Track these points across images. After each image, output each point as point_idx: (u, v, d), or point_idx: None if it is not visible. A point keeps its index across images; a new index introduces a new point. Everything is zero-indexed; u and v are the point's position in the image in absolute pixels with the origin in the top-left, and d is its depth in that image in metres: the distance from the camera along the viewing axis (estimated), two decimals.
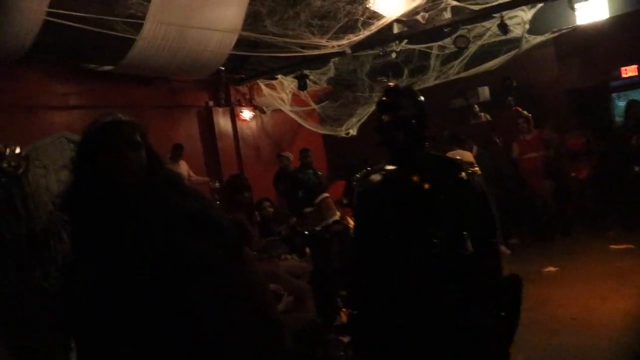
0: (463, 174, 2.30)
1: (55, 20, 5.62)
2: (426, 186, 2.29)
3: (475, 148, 7.87)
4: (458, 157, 7.55)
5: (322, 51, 7.84)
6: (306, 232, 5.30)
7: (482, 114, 10.44)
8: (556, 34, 9.02)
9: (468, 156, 7.24)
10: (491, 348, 2.23)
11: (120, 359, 1.77)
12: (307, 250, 5.54)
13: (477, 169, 2.43)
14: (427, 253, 2.22)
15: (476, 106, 10.55)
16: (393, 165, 2.41)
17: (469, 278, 2.22)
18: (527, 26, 8.19)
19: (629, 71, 9.64)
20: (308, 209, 5.49)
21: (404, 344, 2.25)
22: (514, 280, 2.50)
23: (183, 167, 8.16)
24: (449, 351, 2.19)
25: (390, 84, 2.56)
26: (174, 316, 1.77)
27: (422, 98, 2.45)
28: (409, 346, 2.24)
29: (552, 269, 6.57)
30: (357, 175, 2.55)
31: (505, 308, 2.34)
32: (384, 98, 2.43)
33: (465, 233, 2.23)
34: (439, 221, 2.24)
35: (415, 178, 2.32)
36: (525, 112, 9.07)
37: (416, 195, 2.29)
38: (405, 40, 8.49)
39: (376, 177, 2.44)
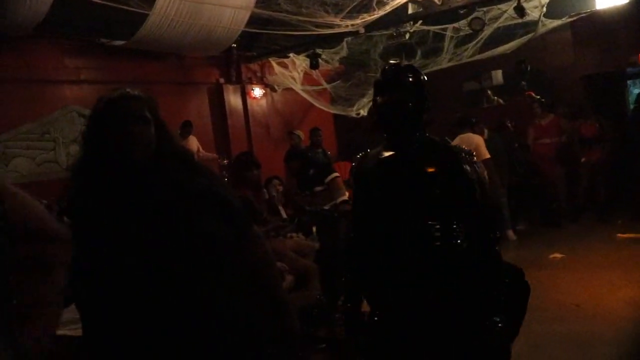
0: (461, 162, 2.15)
1: None
2: (421, 174, 2.16)
3: (486, 131, 7.82)
4: (464, 144, 7.51)
5: (336, 30, 7.78)
6: (308, 208, 5.31)
7: (495, 98, 10.36)
8: (574, 18, 8.87)
9: (478, 140, 7.20)
10: (491, 345, 2.13)
11: (125, 333, 1.78)
12: (314, 229, 5.57)
13: (475, 157, 2.21)
14: (418, 244, 2.12)
15: (489, 91, 10.46)
16: (389, 149, 2.27)
17: (464, 273, 2.10)
18: (544, 9, 8.05)
19: None
20: (318, 188, 5.50)
21: (396, 335, 2.18)
22: (517, 275, 2.40)
23: (193, 143, 8.19)
24: (443, 346, 2.12)
25: (391, 62, 2.37)
26: (182, 296, 1.77)
27: (423, 78, 2.29)
28: (400, 337, 2.17)
29: (558, 255, 6.55)
30: (356, 158, 2.45)
31: (508, 305, 2.19)
32: (380, 78, 2.27)
33: (455, 225, 2.11)
34: (433, 211, 2.12)
35: (410, 165, 2.19)
36: (537, 97, 8.99)
37: (410, 183, 2.17)
38: (420, 21, 8.39)
39: (372, 162, 2.32)
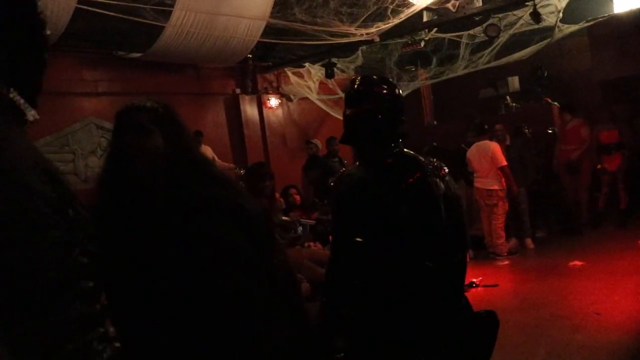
0: (426, 177, 2.03)
1: (86, 7, 5.72)
2: (388, 189, 2.05)
3: (508, 137, 7.78)
4: (480, 151, 7.40)
5: (351, 39, 7.81)
6: (325, 217, 5.32)
7: (514, 104, 10.30)
8: (591, 23, 8.79)
9: (494, 147, 7.17)
10: None
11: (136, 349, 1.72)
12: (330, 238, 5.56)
13: (447, 171, 2.11)
14: (386, 264, 2.03)
15: (508, 97, 10.41)
16: (362, 166, 2.18)
17: (425, 295, 1.99)
18: (560, 15, 8.00)
19: None
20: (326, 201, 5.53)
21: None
22: (485, 317, 2.15)
23: (207, 153, 8.24)
24: None
25: (363, 75, 2.30)
26: (198, 313, 1.70)
27: (397, 91, 2.17)
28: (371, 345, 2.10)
29: (578, 262, 6.46)
30: (334, 178, 2.40)
31: (471, 339, 2.05)
32: (348, 89, 2.17)
33: (422, 245, 2.01)
34: (399, 230, 2.01)
35: (377, 180, 2.09)
36: (554, 103, 8.92)
37: (376, 202, 2.06)
38: (435, 29, 8.39)
39: (347, 179, 2.24)
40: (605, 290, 5.38)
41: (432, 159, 2.14)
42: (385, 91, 2.12)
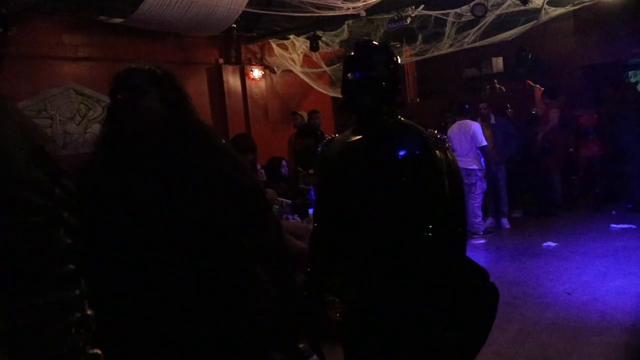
0: (430, 148, 2.00)
1: None
2: (388, 159, 2.01)
3: (492, 117, 7.82)
4: (461, 130, 7.45)
5: (337, 12, 7.72)
6: (302, 186, 5.31)
7: (499, 86, 10.34)
8: (577, 7, 8.80)
9: (475, 126, 7.23)
10: (453, 354, 2.00)
11: (126, 322, 1.66)
12: (310, 211, 5.58)
13: (449, 144, 2.09)
14: (383, 232, 2.00)
15: (496, 80, 10.44)
16: (358, 133, 2.12)
17: (424, 265, 1.98)
18: None
19: None
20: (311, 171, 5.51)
21: (354, 325, 2.09)
22: (483, 277, 2.17)
23: None
24: (397, 345, 2.01)
25: (365, 39, 2.22)
26: (183, 285, 1.68)
27: (397, 59, 2.14)
28: (358, 328, 2.08)
29: (551, 243, 6.60)
30: (323, 143, 2.32)
31: (473, 308, 2.06)
32: (352, 54, 2.11)
33: (421, 215, 1.99)
34: (399, 199, 1.99)
35: (377, 149, 2.05)
36: (536, 85, 8.97)
37: (377, 169, 2.02)
38: (422, 6, 8.33)
39: (338, 147, 2.17)
40: (577, 270, 5.52)
41: (434, 131, 2.11)
42: (389, 58, 2.10)
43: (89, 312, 0.90)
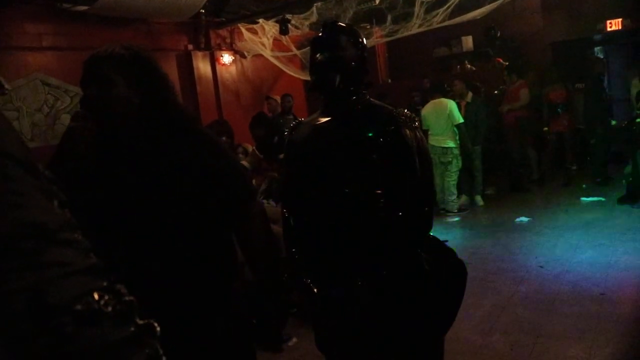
0: (400, 126, 2.01)
1: None
2: (358, 138, 2.02)
3: (470, 94, 7.87)
4: (436, 108, 7.48)
5: None
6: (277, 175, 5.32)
7: (469, 66, 10.41)
8: None
9: (451, 104, 7.28)
10: (420, 332, 2.03)
11: None
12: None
13: (417, 124, 2.09)
14: (352, 212, 2.00)
15: (466, 61, 10.50)
16: (327, 115, 2.13)
17: (391, 244, 1.99)
18: None
19: (614, 24, 9.61)
20: (282, 155, 5.47)
21: (330, 310, 2.07)
22: (455, 264, 2.17)
23: None
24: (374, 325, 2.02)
25: (331, 20, 2.29)
26: (156, 281, 1.68)
27: (364, 39, 2.15)
28: (335, 314, 2.07)
29: (524, 219, 6.73)
30: (289, 127, 2.31)
31: (443, 285, 2.07)
32: (320, 34, 2.11)
33: (389, 194, 1.99)
34: (369, 178, 2.01)
35: (347, 129, 2.06)
36: (506, 63, 9.05)
37: (347, 148, 2.03)
38: None
39: (306, 130, 2.18)
40: (549, 244, 5.64)
41: (404, 110, 2.12)
42: (356, 39, 2.11)
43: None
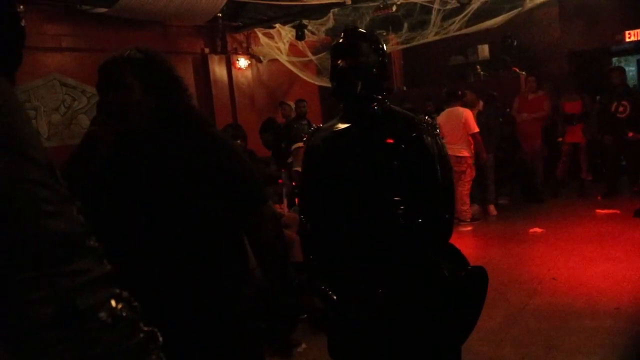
0: (422, 133, 2.01)
1: None
2: (378, 144, 2.02)
3: (481, 103, 7.83)
4: (452, 117, 7.45)
5: (322, 1, 7.70)
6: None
7: (482, 72, 10.38)
8: None
9: (467, 113, 7.23)
10: (439, 341, 2.02)
11: None
12: (296, 200, 5.59)
13: (438, 131, 2.10)
14: (373, 220, 1.99)
15: (478, 66, 10.47)
16: (346, 121, 2.12)
17: (411, 254, 1.99)
18: None
19: (632, 35, 9.52)
20: (290, 160, 5.50)
21: (351, 317, 2.06)
22: (476, 272, 2.15)
23: None
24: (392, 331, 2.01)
25: (352, 26, 2.21)
26: (163, 280, 1.70)
27: (384, 45, 2.16)
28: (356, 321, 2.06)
29: (537, 229, 6.66)
30: (308, 132, 2.30)
31: (461, 299, 2.06)
32: (341, 41, 2.11)
33: (410, 201, 1.98)
34: (390, 185, 2.00)
35: (367, 135, 2.05)
36: (522, 72, 8.99)
37: (367, 155, 2.02)
38: None
39: (327, 134, 2.16)
40: (562, 256, 5.57)
41: (425, 117, 2.13)
42: (377, 45, 2.11)
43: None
